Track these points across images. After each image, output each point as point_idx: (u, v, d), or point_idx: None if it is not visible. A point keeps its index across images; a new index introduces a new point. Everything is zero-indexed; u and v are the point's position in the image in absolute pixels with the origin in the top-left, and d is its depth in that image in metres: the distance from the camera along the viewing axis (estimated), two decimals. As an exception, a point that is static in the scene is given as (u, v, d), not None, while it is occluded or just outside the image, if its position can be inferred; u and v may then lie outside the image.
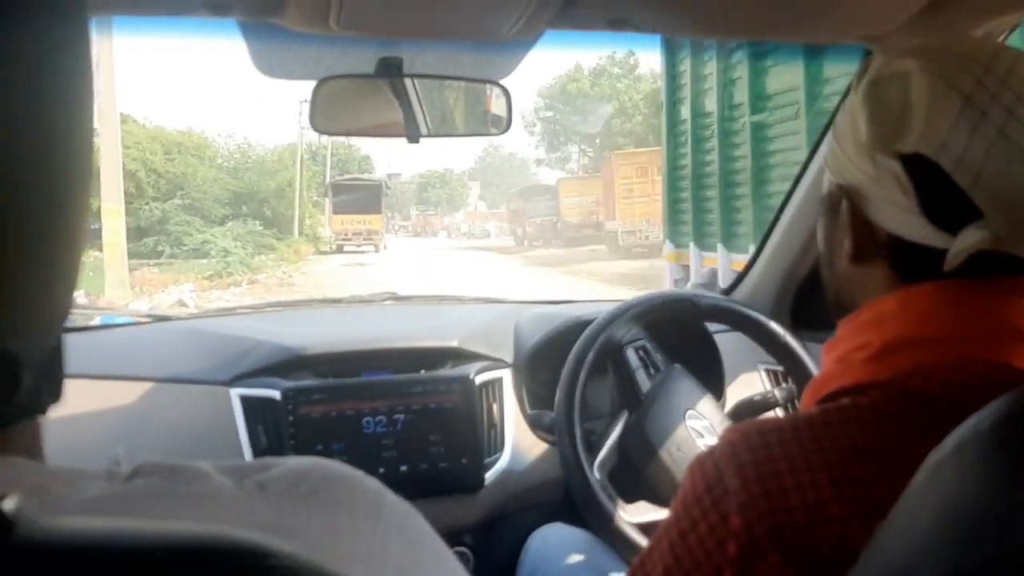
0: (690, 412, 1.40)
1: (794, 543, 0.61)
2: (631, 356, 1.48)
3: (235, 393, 1.45)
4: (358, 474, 0.50)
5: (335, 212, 28.27)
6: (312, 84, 1.22)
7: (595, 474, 1.32)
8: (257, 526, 0.41)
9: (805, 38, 1.29)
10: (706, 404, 1.43)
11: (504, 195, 61.28)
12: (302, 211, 28.48)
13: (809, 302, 1.66)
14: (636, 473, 1.37)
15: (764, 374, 1.65)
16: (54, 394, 0.44)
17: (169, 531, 0.36)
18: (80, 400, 1.37)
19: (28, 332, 0.40)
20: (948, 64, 0.67)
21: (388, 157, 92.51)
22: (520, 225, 32.71)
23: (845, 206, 0.74)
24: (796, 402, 1.45)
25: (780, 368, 1.52)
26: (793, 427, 0.66)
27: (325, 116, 1.23)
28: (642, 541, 1.25)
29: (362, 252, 26.23)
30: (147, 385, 1.46)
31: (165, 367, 1.51)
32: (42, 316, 0.41)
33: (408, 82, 1.29)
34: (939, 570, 0.49)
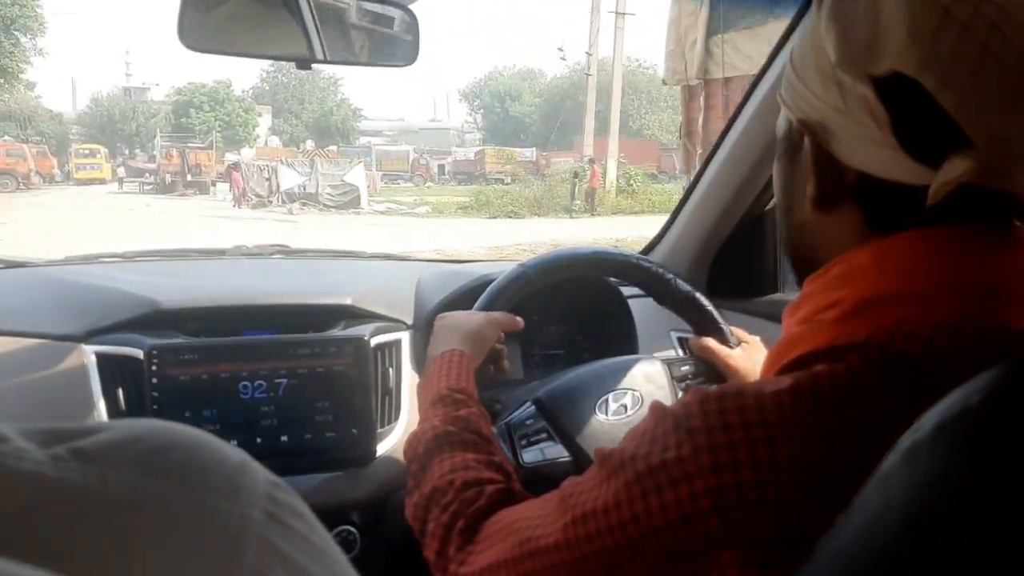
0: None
1: (740, 522, 0.56)
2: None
3: (90, 350, 1.27)
4: (213, 440, 0.38)
5: None
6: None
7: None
8: (64, 502, 0.31)
9: None
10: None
11: (307, 127, 42.84)
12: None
13: (727, 268, 1.57)
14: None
15: (676, 342, 1.57)
16: None
17: None
18: None
19: None
20: None
21: (128, 60, 58.20)
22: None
23: (808, 145, 0.64)
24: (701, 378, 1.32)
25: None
26: (756, 395, 0.58)
27: (197, 31, 1.05)
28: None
29: None
30: None
31: (11, 319, 1.33)
32: None
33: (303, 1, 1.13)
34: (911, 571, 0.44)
